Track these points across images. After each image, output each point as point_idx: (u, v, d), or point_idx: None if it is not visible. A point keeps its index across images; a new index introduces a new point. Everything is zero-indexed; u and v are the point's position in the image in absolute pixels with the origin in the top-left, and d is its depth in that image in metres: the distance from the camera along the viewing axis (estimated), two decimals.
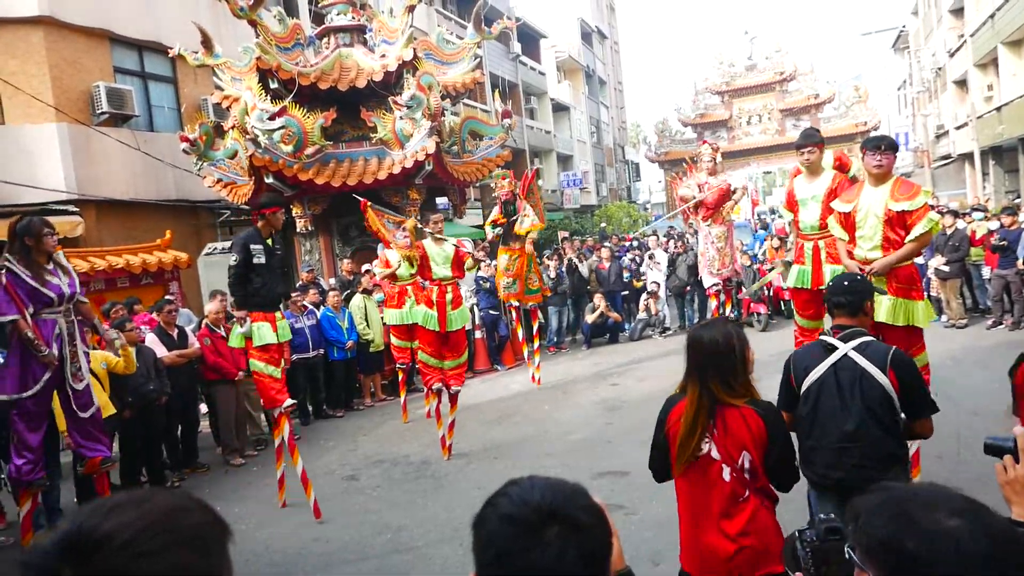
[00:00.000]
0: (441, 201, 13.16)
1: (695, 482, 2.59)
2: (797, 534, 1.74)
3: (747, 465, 2.50)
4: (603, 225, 27.40)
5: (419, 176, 10.43)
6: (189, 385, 7.55)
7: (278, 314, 5.89)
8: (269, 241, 5.76)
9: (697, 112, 34.61)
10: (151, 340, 7.22)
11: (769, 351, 10.20)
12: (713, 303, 10.07)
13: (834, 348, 2.95)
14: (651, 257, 13.61)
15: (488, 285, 11.03)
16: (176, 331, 7.52)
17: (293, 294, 9.33)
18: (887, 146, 4.47)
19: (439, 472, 6.52)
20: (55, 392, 4.88)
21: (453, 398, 6.96)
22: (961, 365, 8.02)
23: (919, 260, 5.61)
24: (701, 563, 2.58)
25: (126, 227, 11.23)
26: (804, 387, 2.98)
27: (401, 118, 10.13)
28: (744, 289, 12.28)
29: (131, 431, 6.71)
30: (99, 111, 11.13)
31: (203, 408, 8.12)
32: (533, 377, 9.57)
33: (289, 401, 5.83)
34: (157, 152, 11.85)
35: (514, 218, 9.29)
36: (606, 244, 15.56)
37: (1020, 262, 9.47)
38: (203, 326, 7.88)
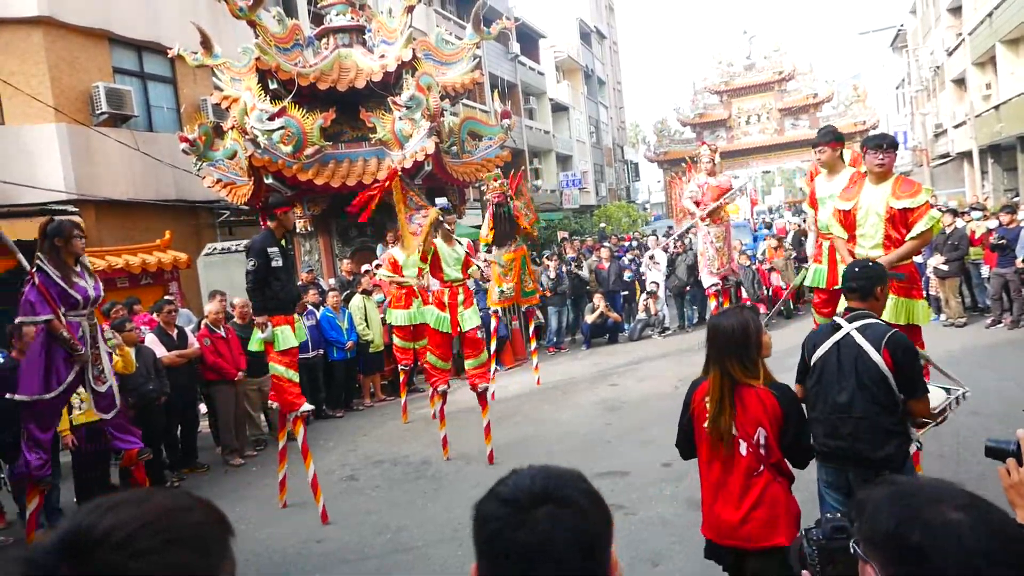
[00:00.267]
0: (440, 201, 13.15)
1: (715, 456, 2.81)
2: (804, 533, 1.75)
3: (762, 441, 2.70)
4: (603, 225, 27.41)
5: (418, 176, 10.42)
6: (188, 385, 7.55)
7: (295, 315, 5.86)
8: (283, 242, 5.70)
9: (696, 112, 34.65)
10: (151, 340, 7.23)
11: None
12: (712, 303, 10.05)
13: (840, 328, 3.16)
14: (651, 257, 13.62)
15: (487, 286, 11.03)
16: (176, 331, 7.52)
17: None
18: (888, 144, 4.49)
19: (439, 472, 6.52)
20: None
21: (482, 398, 6.73)
22: (960, 364, 8.02)
23: (918, 259, 5.62)
24: (717, 530, 2.83)
25: (125, 227, 11.23)
26: (812, 362, 3.24)
27: (400, 118, 10.12)
28: (744, 289, 12.29)
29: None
30: (98, 111, 11.13)
31: (202, 408, 8.12)
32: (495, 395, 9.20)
33: (307, 406, 5.77)
34: (156, 152, 11.86)
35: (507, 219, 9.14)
36: (605, 244, 15.57)
37: (1019, 261, 9.48)
38: (203, 326, 7.88)
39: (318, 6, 11.97)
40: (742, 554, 2.77)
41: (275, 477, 6.19)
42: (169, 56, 11.23)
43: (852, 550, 1.06)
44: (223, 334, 7.73)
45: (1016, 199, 15.38)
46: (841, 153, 5.43)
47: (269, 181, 9.89)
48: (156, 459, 7.13)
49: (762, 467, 2.72)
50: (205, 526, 0.85)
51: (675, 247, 13.75)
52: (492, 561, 0.97)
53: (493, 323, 9.84)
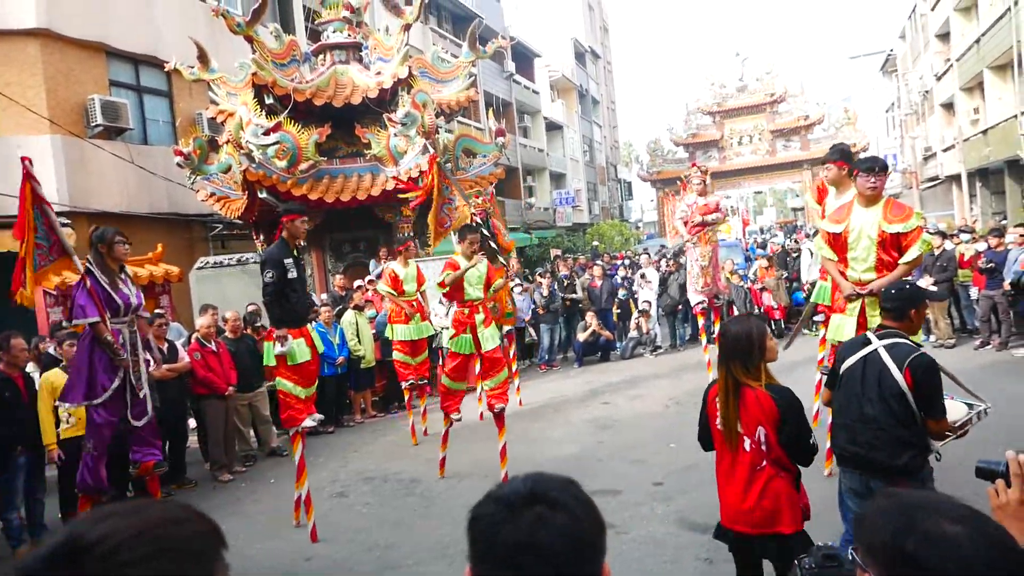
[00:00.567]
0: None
1: (724, 450, 3.11)
2: (797, 562, 1.78)
3: (762, 439, 2.97)
4: (595, 243, 27.51)
5: (412, 193, 10.46)
6: (178, 400, 7.49)
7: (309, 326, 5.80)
8: (295, 252, 5.63)
9: (689, 132, 34.96)
10: None
11: None
12: (700, 321, 10.06)
13: (870, 342, 3.35)
14: (642, 276, 13.67)
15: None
16: (166, 345, 7.48)
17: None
18: (880, 168, 4.52)
19: (429, 490, 6.48)
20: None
21: (499, 418, 6.46)
22: (949, 385, 8.07)
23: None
24: (729, 517, 3.13)
25: None
26: (840, 371, 3.44)
27: (395, 135, 10.18)
28: (735, 308, 12.33)
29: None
30: (93, 123, 11.14)
31: (192, 423, 8.06)
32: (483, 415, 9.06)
33: (308, 422, 5.70)
34: (151, 165, 11.85)
35: (488, 238, 8.79)
36: (598, 262, 15.63)
37: (1007, 283, 9.57)
38: (194, 340, 7.84)
39: (315, 23, 12.07)
40: (748, 538, 3.06)
41: (264, 493, 6.14)
42: (165, 70, 11.28)
43: (850, 557, 1.08)
44: (214, 348, 7.70)
45: (1004, 222, 15.55)
46: (850, 171, 5.45)
47: (263, 196, 9.91)
48: None
49: (765, 462, 2.98)
50: (197, 537, 0.85)
51: (667, 266, 13.81)
52: (481, 559, 0.97)
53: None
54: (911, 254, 4.38)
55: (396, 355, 8.46)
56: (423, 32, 21.73)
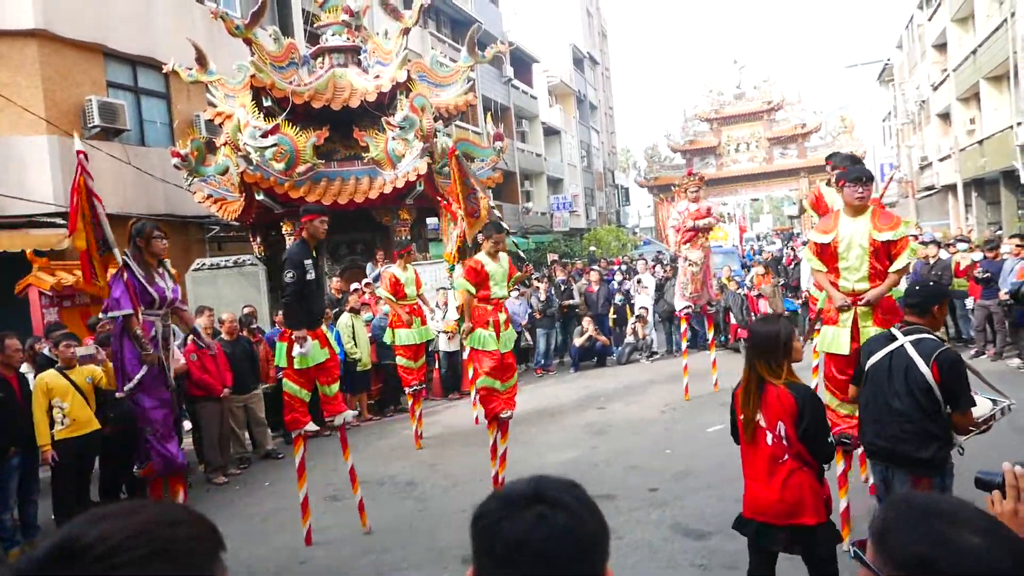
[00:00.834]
0: (432, 221, 13.21)
1: (749, 444, 3.26)
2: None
3: (783, 433, 3.11)
4: (592, 249, 27.55)
5: (410, 196, 10.48)
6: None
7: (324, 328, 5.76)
8: (314, 253, 5.59)
9: (686, 139, 35.04)
10: None
11: None
12: (683, 326, 10.08)
13: (895, 338, 3.47)
14: (639, 282, 13.68)
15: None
16: None
17: (281, 311, 9.30)
18: (868, 178, 4.53)
19: (424, 494, 6.47)
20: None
21: (504, 426, 6.31)
22: (973, 381, 8.09)
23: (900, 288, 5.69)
24: (752, 508, 3.27)
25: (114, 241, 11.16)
26: (866, 367, 3.56)
27: (393, 138, 10.19)
28: (732, 314, 12.34)
29: (112, 446, 6.61)
30: (91, 124, 11.12)
31: (187, 425, 8.03)
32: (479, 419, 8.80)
33: (311, 426, 5.65)
34: (148, 167, 11.83)
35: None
36: (595, 268, 15.64)
37: (1002, 293, 9.60)
38: (190, 341, 7.81)
39: (314, 26, 12.08)
40: (771, 529, 3.18)
41: (259, 496, 6.12)
42: (164, 71, 11.29)
43: (854, 553, 1.08)
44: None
45: (999, 233, 15.61)
46: (837, 182, 5.47)
47: (261, 198, 9.90)
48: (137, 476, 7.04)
49: (786, 456, 3.12)
50: (193, 540, 0.84)
51: (664, 271, 13.82)
52: (483, 556, 0.96)
53: (466, 351, 9.58)
54: (900, 262, 4.41)
55: (400, 360, 8.38)
56: (422, 36, 21.77)
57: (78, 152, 4.80)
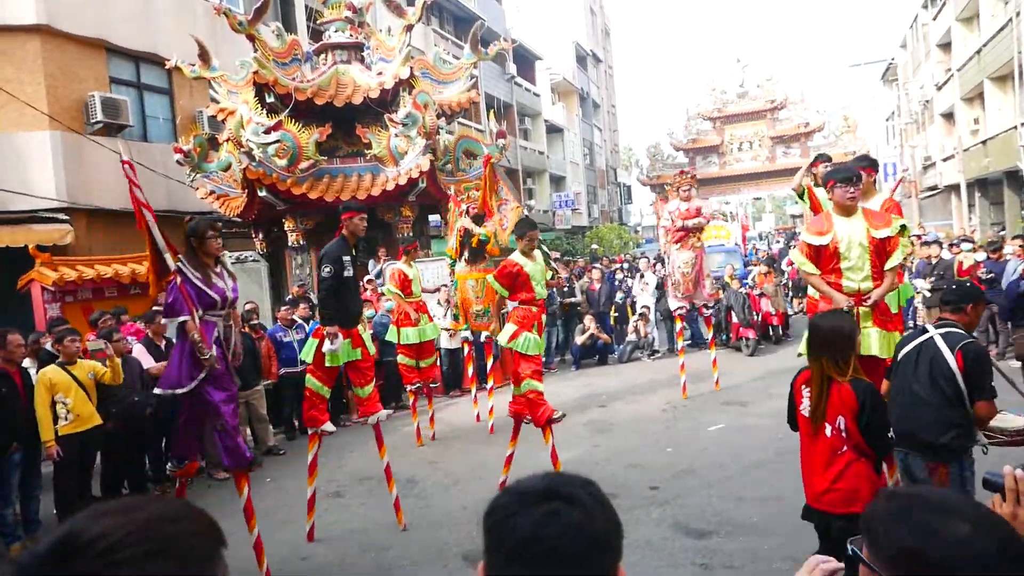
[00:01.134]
0: (433, 218, 13.20)
1: (808, 435, 3.38)
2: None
3: (843, 426, 3.22)
4: (594, 247, 27.53)
5: (412, 193, 10.47)
6: (175, 397, 7.45)
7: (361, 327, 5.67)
8: (353, 251, 5.55)
9: (689, 137, 34.97)
10: (138, 351, 7.17)
11: (757, 375, 10.27)
12: (678, 325, 9.99)
13: (927, 332, 3.64)
14: (641, 276, 13.67)
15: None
16: (164, 342, 7.46)
17: (283, 308, 9.30)
18: (857, 178, 4.51)
19: (425, 491, 6.47)
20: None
21: (516, 428, 6.22)
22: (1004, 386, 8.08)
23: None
24: (812, 496, 3.40)
25: (116, 236, 11.17)
26: (897, 359, 3.72)
27: (396, 135, 10.18)
28: (734, 313, 12.32)
29: (114, 442, 6.63)
30: (93, 120, 11.12)
31: None
32: (480, 416, 8.80)
33: (329, 425, 5.60)
34: (150, 162, 11.82)
35: (480, 235, 8.21)
36: (596, 265, 15.62)
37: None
38: None
39: (317, 22, 12.07)
40: (829, 517, 3.29)
41: (260, 492, 6.11)
42: (166, 67, 11.28)
43: (853, 552, 1.08)
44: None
45: (1002, 233, 15.57)
46: (874, 180, 5.44)
47: (263, 194, 9.90)
48: (139, 471, 7.06)
49: (845, 447, 3.23)
50: (194, 536, 0.84)
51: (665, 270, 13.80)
52: (493, 552, 0.96)
53: (466, 349, 9.38)
54: (894, 260, 4.43)
55: (400, 358, 8.35)
56: (425, 33, 21.75)
57: (123, 162, 4.64)
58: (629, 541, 4.87)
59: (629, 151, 58.09)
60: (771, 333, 13.04)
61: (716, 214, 36.63)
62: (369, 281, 10.24)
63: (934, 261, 10.44)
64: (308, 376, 5.59)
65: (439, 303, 10.39)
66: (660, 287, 13.27)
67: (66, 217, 10.61)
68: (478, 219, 8.42)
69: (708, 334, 10.12)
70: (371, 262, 11.03)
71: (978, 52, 20.58)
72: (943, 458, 3.45)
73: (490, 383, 8.95)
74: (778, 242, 30.94)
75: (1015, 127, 17.77)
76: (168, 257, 4.58)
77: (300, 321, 9.24)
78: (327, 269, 5.26)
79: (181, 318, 4.48)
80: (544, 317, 6.08)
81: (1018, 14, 17.01)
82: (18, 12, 10.48)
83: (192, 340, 4.49)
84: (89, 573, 0.75)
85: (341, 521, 5.89)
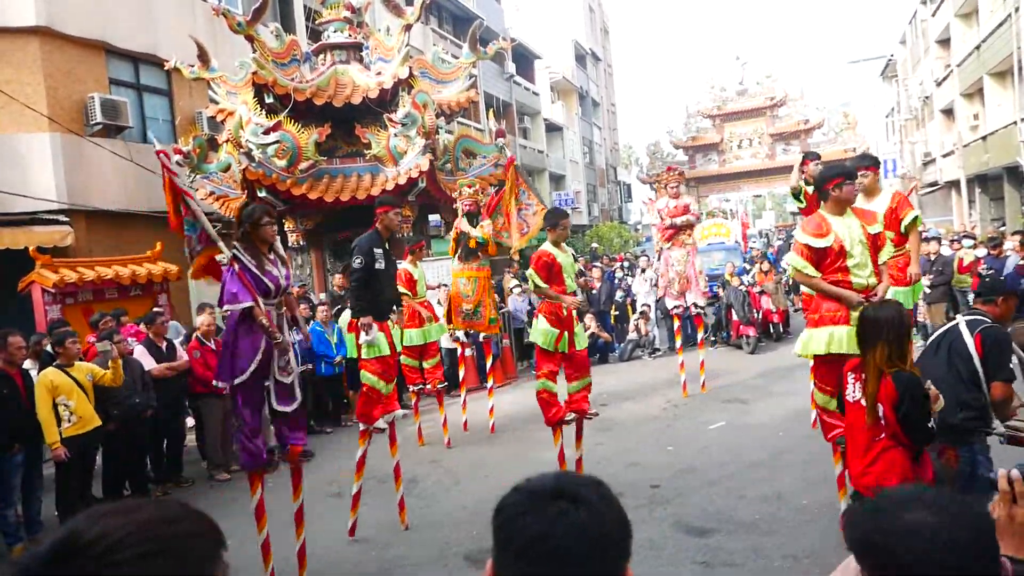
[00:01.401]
0: (433, 218, 13.20)
1: (851, 420, 3.54)
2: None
3: (882, 414, 3.34)
4: (594, 245, 27.52)
5: (412, 193, 10.47)
6: (176, 398, 7.48)
7: (390, 322, 5.61)
8: (386, 245, 5.52)
9: (688, 135, 34.93)
10: (139, 352, 7.17)
11: (758, 373, 10.27)
12: (676, 324, 9.87)
13: (954, 319, 3.85)
14: (642, 271, 13.67)
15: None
16: (165, 343, 7.48)
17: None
18: (851, 175, 4.52)
19: (427, 491, 6.48)
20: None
21: (580, 427, 5.98)
22: None
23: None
24: (852, 478, 3.57)
25: (116, 238, 11.19)
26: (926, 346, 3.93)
27: (395, 135, 10.18)
28: (734, 311, 12.32)
29: (115, 444, 6.64)
30: (93, 121, 11.13)
31: (189, 421, 8.04)
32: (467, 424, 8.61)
33: (380, 422, 5.52)
34: (150, 163, 11.83)
35: (477, 238, 8.08)
36: (597, 264, 15.63)
37: None
38: (193, 339, 7.83)
39: (316, 23, 12.07)
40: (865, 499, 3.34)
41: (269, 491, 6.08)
42: (166, 68, 11.29)
43: (848, 548, 1.10)
44: (213, 347, 7.69)
45: (1002, 229, 15.57)
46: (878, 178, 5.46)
47: (263, 195, 9.90)
48: (141, 472, 7.07)
49: (882, 434, 3.35)
50: (194, 537, 0.84)
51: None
52: (502, 550, 0.96)
53: (459, 348, 9.27)
54: (886, 254, 4.52)
55: (404, 359, 8.29)
56: (424, 33, 21.74)
57: (158, 152, 4.53)
58: None
59: (629, 149, 58.04)
60: (771, 331, 13.05)
61: (716, 212, 36.67)
62: None
63: (933, 257, 10.44)
64: (363, 372, 5.51)
65: (439, 302, 10.39)
66: (654, 285, 13.26)
67: (66, 219, 10.61)
68: (472, 216, 8.28)
69: (700, 334, 9.85)
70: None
71: (977, 48, 20.56)
72: (951, 440, 3.52)
73: (490, 382, 8.96)
74: (779, 239, 30.92)
75: (1015, 122, 17.75)
76: (223, 245, 4.45)
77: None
78: (358, 260, 5.28)
79: (243, 304, 4.32)
80: (574, 312, 5.91)
81: (1017, 9, 16.99)
82: (17, 14, 10.48)
83: (261, 325, 4.35)
84: (88, 574, 0.75)
85: (343, 521, 5.89)
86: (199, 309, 8.25)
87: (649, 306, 12.98)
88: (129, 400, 6.61)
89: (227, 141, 10.57)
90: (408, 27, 10.76)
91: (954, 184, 24.18)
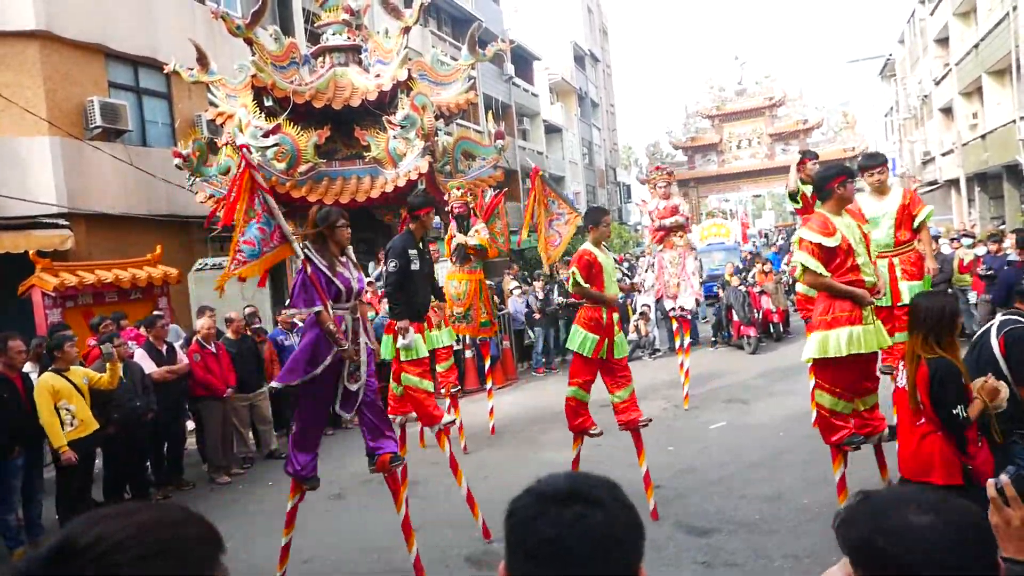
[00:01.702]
0: (435, 220, 13.18)
1: (899, 405, 3.66)
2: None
3: (919, 400, 3.42)
4: None
5: (412, 194, 10.46)
6: (177, 401, 7.48)
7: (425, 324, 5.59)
8: (420, 245, 5.48)
9: (688, 135, 34.96)
10: (139, 356, 7.18)
11: (758, 373, 10.26)
12: (674, 325, 9.73)
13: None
14: (647, 269, 13.68)
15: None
16: (165, 347, 7.48)
17: (283, 311, 9.29)
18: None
19: (427, 492, 6.48)
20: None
21: (637, 436, 5.63)
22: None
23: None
24: (900, 464, 3.67)
25: (116, 241, 11.19)
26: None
27: (395, 137, 10.18)
28: (734, 312, 12.32)
29: (115, 447, 6.64)
30: (92, 125, 11.14)
31: (190, 424, 8.05)
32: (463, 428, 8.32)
33: (449, 418, 5.47)
34: (149, 167, 11.85)
35: (476, 246, 8.09)
36: None
37: None
38: (193, 342, 7.84)
39: (315, 25, 12.07)
40: (908, 484, 3.45)
41: (262, 495, 6.12)
42: (165, 72, 11.29)
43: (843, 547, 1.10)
44: (213, 350, 7.70)
45: (1002, 227, 15.57)
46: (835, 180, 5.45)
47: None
48: (141, 475, 7.07)
49: (923, 419, 3.42)
50: (192, 541, 0.85)
51: None
52: (514, 553, 0.96)
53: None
54: (873, 253, 4.61)
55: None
56: (422, 35, 21.76)
57: (241, 147, 4.52)
58: None
59: (628, 150, 58.06)
60: (771, 331, 13.04)
61: (716, 212, 36.66)
62: (370, 284, 10.24)
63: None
64: (404, 375, 5.47)
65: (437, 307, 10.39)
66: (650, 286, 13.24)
67: (66, 222, 10.62)
68: (461, 219, 8.20)
69: (686, 339, 9.27)
70: (371, 264, 11.04)
71: (976, 46, 20.57)
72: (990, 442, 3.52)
73: (489, 384, 8.96)
74: (781, 239, 30.93)
75: (1014, 121, 17.76)
76: (296, 244, 4.32)
77: (300, 324, 9.24)
78: (392, 264, 5.27)
79: (312, 309, 4.22)
80: (616, 316, 5.57)
81: (1015, 8, 17.01)
82: (17, 17, 10.49)
83: (326, 331, 4.23)
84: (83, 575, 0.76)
85: (344, 523, 5.90)
86: (199, 312, 8.25)
87: (649, 307, 12.98)
88: (130, 403, 6.61)
89: (226, 144, 10.57)
90: (407, 29, 10.77)
91: (953, 183, 24.20)
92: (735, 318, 12.32)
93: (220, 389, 7.57)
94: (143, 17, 12.31)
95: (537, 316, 12.41)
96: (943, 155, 25.39)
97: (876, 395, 4.62)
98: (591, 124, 41.17)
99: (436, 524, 5.57)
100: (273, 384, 4.68)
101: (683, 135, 35.12)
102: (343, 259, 4.49)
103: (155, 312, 8.85)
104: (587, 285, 5.36)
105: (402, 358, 5.37)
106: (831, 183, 4.43)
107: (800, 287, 6.83)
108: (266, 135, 9.38)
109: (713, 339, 13.28)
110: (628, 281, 6.16)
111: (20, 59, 10.61)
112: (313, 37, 13.59)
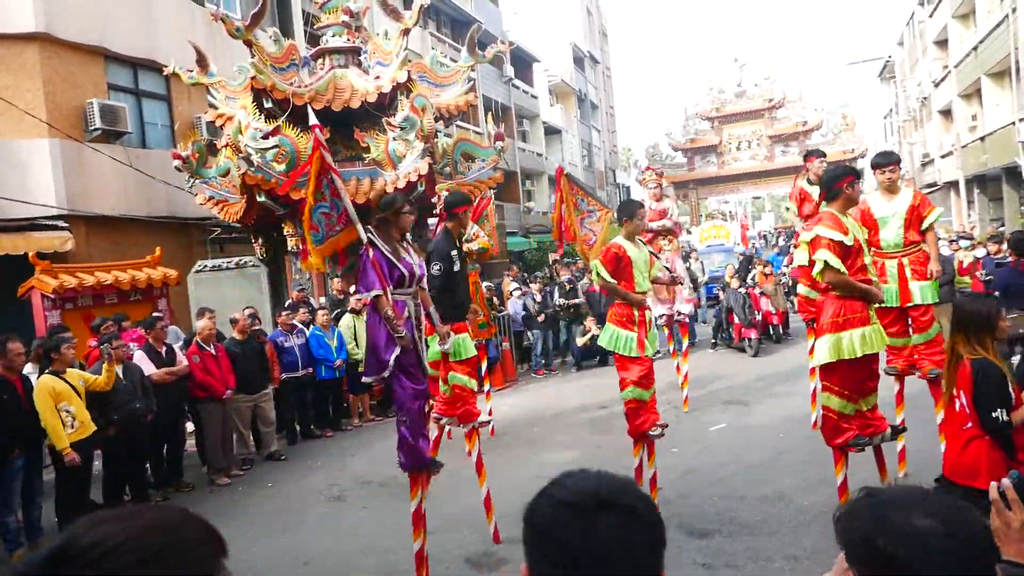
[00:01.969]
0: (432, 222, 13.19)
1: (946, 407, 3.63)
2: None
3: (964, 402, 3.41)
4: None
5: (411, 197, 10.47)
6: (176, 403, 7.48)
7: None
8: (458, 244, 5.45)
9: (687, 137, 34.97)
10: (139, 357, 7.17)
11: (758, 375, 10.26)
12: (666, 331, 9.53)
13: None
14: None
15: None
16: (164, 348, 7.48)
17: (283, 313, 9.30)
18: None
19: (428, 494, 6.45)
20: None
21: (651, 444, 5.54)
22: None
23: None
24: (944, 466, 3.61)
25: (116, 243, 11.19)
26: None
27: (394, 139, 10.17)
28: (735, 314, 12.30)
29: (115, 448, 6.64)
30: (92, 127, 11.14)
31: (190, 426, 8.04)
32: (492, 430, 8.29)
33: (484, 417, 5.49)
34: (149, 169, 11.85)
35: (478, 250, 8.05)
36: None
37: None
38: (193, 344, 7.84)
39: (314, 27, 12.07)
40: (953, 486, 3.42)
41: (262, 497, 6.10)
42: (164, 74, 11.28)
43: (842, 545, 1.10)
44: (213, 352, 7.69)
45: (1002, 229, 15.58)
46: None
47: (262, 199, 9.89)
48: (141, 477, 7.06)
49: (970, 423, 3.38)
50: (192, 543, 0.84)
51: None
52: (540, 559, 0.95)
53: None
54: (868, 256, 4.58)
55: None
56: (422, 37, 21.78)
57: (314, 127, 4.42)
58: None
59: (628, 152, 58.11)
60: (771, 332, 13.04)
61: (715, 214, 36.65)
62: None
63: None
64: (451, 373, 5.53)
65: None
66: None
67: (65, 224, 10.62)
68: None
69: (682, 343, 9.23)
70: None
71: (975, 49, 20.60)
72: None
73: (487, 386, 8.95)
74: (782, 240, 30.93)
75: (1013, 123, 17.78)
76: (360, 227, 4.30)
77: (300, 326, 9.25)
78: (436, 267, 5.21)
79: (374, 292, 4.17)
80: (648, 314, 5.44)
81: (1014, 10, 17.03)
82: (16, 20, 10.49)
83: (385, 316, 4.19)
84: None
85: (344, 525, 5.89)
86: (199, 314, 8.25)
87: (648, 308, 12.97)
88: (129, 405, 6.61)
89: (226, 146, 10.56)
90: (406, 31, 10.76)
91: (953, 185, 24.22)
92: (736, 320, 12.31)
93: (219, 391, 7.56)
94: (143, 19, 12.32)
95: (541, 319, 12.41)
96: (942, 157, 25.42)
97: (877, 395, 4.62)
98: (591, 126, 41.20)
99: (435, 525, 5.55)
100: (364, 379, 4.61)
101: (682, 137, 35.13)
102: (404, 244, 4.48)
103: (155, 314, 8.84)
104: (613, 281, 5.20)
105: (453, 358, 5.43)
106: (840, 183, 4.42)
107: (801, 288, 6.81)
108: (266, 137, 9.37)
109: (713, 341, 13.28)
110: (670, 274, 6.06)
111: (20, 61, 10.61)
112: (312, 39, 13.60)
